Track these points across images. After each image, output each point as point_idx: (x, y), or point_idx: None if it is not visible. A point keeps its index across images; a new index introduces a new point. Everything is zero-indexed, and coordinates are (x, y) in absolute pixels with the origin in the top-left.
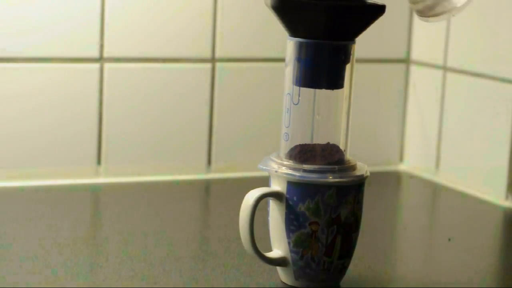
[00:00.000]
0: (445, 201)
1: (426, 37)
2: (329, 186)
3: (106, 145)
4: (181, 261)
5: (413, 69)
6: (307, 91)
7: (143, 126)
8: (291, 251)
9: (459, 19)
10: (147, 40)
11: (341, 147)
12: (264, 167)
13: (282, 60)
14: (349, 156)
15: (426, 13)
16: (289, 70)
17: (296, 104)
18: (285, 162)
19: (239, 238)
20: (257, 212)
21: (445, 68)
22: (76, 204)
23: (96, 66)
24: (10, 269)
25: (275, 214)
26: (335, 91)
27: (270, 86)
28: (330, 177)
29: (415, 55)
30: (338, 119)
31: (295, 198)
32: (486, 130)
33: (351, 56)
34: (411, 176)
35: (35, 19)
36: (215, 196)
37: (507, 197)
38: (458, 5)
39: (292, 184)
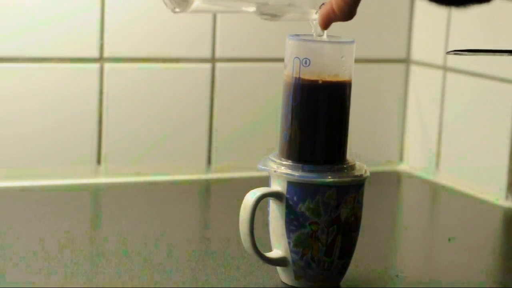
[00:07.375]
0: (445, 201)
1: (426, 37)
2: (329, 186)
3: (106, 145)
4: (181, 261)
5: (413, 69)
6: (307, 91)
7: (143, 126)
8: (291, 251)
9: (459, 19)
10: (147, 40)
11: (341, 147)
12: (263, 167)
13: (282, 60)
14: (348, 156)
15: None
16: (288, 70)
17: (296, 104)
18: (284, 162)
19: (239, 238)
20: (257, 212)
21: (445, 68)
22: (76, 204)
23: (96, 66)
24: (10, 269)
25: (275, 214)
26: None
27: (270, 86)
28: (330, 177)
29: (415, 55)
30: (337, 118)
31: (295, 198)
32: (486, 130)
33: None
34: (411, 176)
35: (35, 19)
36: (215, 196)
37: (507, 197)
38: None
39: (292, 184)
